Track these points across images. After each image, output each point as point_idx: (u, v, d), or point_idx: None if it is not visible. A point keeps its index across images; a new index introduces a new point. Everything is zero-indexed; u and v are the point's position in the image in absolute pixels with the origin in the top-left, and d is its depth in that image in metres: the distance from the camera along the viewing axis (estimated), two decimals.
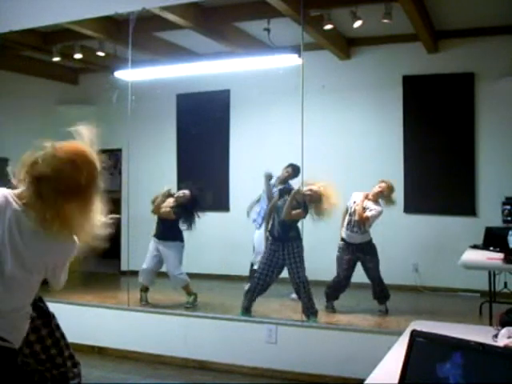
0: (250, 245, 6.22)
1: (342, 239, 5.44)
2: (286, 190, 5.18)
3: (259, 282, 4.94)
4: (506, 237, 4.28)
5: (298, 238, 4.92)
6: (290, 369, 4.24)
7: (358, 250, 5.38)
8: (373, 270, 5.38)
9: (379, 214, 5.38)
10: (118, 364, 4.61)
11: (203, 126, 7.23)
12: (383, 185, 5.42)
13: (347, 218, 5.45)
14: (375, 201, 5.43)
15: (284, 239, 4.92)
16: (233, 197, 7.33)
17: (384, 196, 5.43)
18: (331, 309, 5.39)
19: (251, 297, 4.95)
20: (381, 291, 5.40)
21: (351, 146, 6.78)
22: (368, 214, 5.33)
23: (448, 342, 1.23)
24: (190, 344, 4.57)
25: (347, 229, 5.41)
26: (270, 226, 5.11)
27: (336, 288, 5.43)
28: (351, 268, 5.42)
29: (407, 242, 6.40)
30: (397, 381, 1.26)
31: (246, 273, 6.24)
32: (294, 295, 5.58)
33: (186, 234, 5.81)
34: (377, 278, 5.39)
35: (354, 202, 5.44)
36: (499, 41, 5.97)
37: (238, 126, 7.29)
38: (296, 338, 4.32)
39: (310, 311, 4.80)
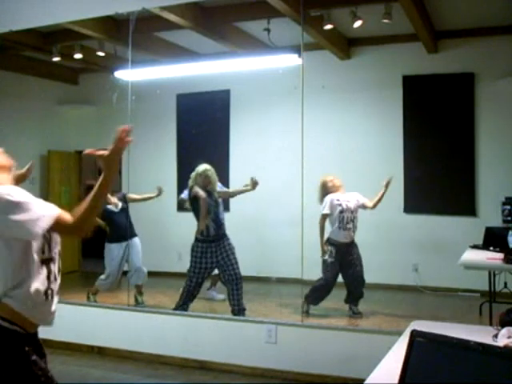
0: (251, 245, 6.22)
1: (331, 243, 5.29)
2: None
3: (191, 283, 5.06)
4: (506, 237, 4.29)
5: (227, 234, 5.15)
6: (290, 369, 4.24)
7: (347, 249, 5.31)
8: (360, 269, 5.30)
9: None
10: (117, 364, 4.61)
11: (203, 126, 7.23)
12: (337, 181, 5.41)
13: (339, 216, 5.31)
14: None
15: (219, 237, 5.08)
16: None
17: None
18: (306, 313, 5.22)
19: (186, 297, 5.07)
20: (361, 292, 5.34)
21: (351, 146, 6.78)
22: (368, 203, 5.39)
23: (448, 342, 1.23)
24: (190, 344, 4.57)
25: (341, 228, 5.32)
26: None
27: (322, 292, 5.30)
28: (338, 272, 5.31)
29: (407, 241, 6.40)
30: (397, 381, 1.26)
31: (248, 273, 6.21)
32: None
33: (185, 235, 5.79)
34: (362, 277, 5.31)
35: (338, 200, 5.34)
36: (499, 41, 5.97)
37: (238, 126, 7.29)
38: (296, 338, 4.32)
39: (240, 309, 4.96)
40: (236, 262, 5.05)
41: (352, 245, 5.33)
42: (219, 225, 5.12)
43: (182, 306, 5.06)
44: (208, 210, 5.07)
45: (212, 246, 5.05)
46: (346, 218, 5.30)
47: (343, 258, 5.29)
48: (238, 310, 4.98)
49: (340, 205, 5.31)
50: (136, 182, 6.10)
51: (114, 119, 6.22)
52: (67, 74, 7.97)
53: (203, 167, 5.24)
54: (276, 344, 4.31)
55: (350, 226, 5.30)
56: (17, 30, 5.38)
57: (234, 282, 5.01)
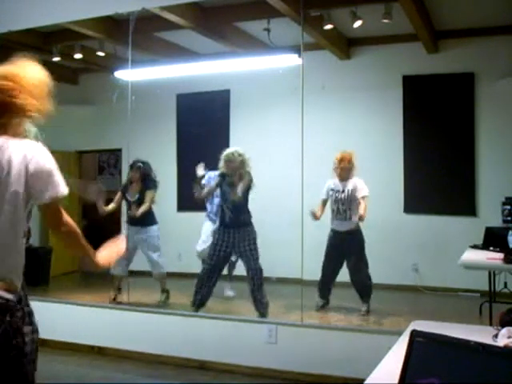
0: None
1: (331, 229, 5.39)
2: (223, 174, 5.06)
3: (205, 266, 4.99)
4: (506, 237, 4.28)
5: (250, 223, 4.94)
6: (290, 369, 4.24)
7: (345, 239, 5.32)
8: (361, 263, 5.32)
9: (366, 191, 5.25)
10: (118, 364, 4.61)
11: (203, 126, 7.23)
12: (344, 164, 5.23)
13: (332, 204, 5.34)
14: (345, 178, 5.32)
15: (236, 225, 4.89)
16: None
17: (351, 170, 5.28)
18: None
19: (197, 284, 4.97)
20: (365, 285, 5.35)
21: (351, 146, 6.73)
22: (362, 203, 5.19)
23: (448, 342, 1.23)
24: (190, 344, 4.57)
25: (334, 217, 5.35)
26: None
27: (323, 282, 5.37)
28: (335, 264, 5.33)
29: (407, 241, 6.40)
30: (397, 381, 1.26)
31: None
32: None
33: (185, 235, 5.79)
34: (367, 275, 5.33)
35: (333, 190, 5.34)
36: (499, 41, 5.97)
37: (238, 126, 7.29)
38: (296, 337, 4.32)
39: (262, 306, 4.81)
40: (254, 255, 4.84)
41: (352, 235, 5.30)
42: (236, 213, 4.90)
43: (195, 296, 4.94)
44: (223, 198, 4.97)
45: (230, 231, 4.90)
46: (339, 208, 5.31)
47: (341, 248, 5.31)
48: (260, 303, 4.81)
49: (336, 192, 5.32)
50: None
51: (113, 119, 6.23)
52: (67, 74, 7.96)
53: (227, 150, 5.09)
54: (276, 344, 4.31)
55: (344, 215, 5.30)
56: (17, 30, 5.39)
57: (251, 277, 4.85)
